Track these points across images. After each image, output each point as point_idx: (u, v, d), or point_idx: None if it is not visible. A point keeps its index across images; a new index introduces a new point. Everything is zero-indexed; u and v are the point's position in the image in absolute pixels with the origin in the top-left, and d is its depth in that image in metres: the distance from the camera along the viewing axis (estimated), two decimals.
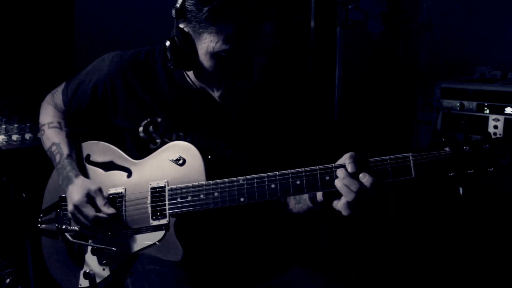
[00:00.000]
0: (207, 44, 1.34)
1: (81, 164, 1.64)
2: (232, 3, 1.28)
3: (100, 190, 1.51)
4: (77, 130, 1.72)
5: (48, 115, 1.72)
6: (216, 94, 1.45)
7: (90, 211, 1.48)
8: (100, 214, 1.48)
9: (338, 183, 1.27)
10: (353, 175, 1.26)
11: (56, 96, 1.72)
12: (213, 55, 1.34)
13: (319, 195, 1.38)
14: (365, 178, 1.26)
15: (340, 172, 1.28)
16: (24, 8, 2.43)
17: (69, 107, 1.67)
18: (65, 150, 1.62)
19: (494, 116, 2.60)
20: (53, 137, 1.66)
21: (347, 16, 2.96)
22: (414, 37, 3.50)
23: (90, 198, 1.49)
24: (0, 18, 2.38)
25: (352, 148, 1.31)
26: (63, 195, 1.65)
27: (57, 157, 1.62)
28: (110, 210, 1.48)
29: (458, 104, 2.72)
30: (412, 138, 3.50)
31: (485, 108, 2.64)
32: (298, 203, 1.50)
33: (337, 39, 2.95)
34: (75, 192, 1.50)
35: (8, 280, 2.17)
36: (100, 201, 1.49)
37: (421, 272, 2.58)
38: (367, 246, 2.75)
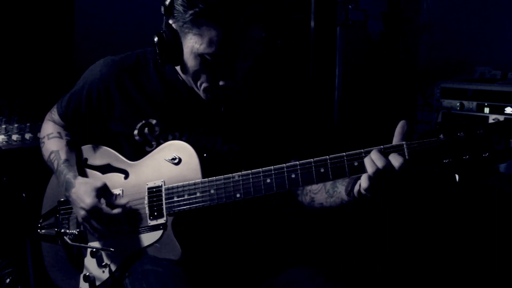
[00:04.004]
0: (191, 44, 1.35)
1: (80, 168, 1.64)
2: (216, 9, 1.28)
3: (105, 185, 1.52)
4: (79, 138, 1.73)
5: (47, 128, 1.73)
6: (199, 91, 1.46)
7: (108, 210, 1.47)
8: (115, 211, 1.47)
9: (367, 159, 1.25)
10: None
11: (53, 112, 1.73)
12: (197, 55, 1.36)
13: (356, 188, 1.35)
14: (394, 158, 1.22)
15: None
16: (24, 8, 2.44)
17: (66, 117, 1.68)
18: (62, 156, 1.63)
19: (494, 116, 2.60)
20: (52, 146, 1.67)
21: (347, 16, 2.96)
22: (414, 37, 3.50)
23: (101, 197, 1.49)
24: (0, 18, 2.38)
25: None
26: (62, 199, 1.65)
27: (55, 164, 1.62)
28: (123, 201, 1.49)
29: (458, 104, 2.72)
30: (412, 138, 3.49)
31: (485, 108, 2.64)
32: (331, 196, 1.47)
33: (337, 39, 2.95)
34: (84, 195, 1.48)
35: (8, 280, 2.17)
36: (111, 197, 1.50)
37: (421, 271, 2.58)
38: (367, 245, 2.75)
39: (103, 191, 1.50)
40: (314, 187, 1.53)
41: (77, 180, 1.53)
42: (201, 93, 1.47)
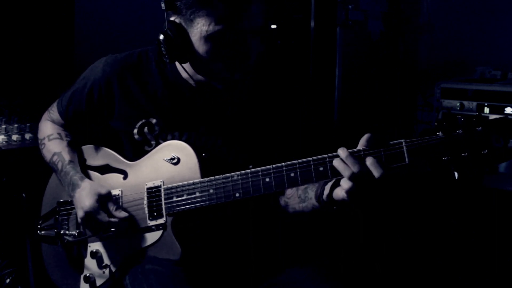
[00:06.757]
0: (199, 28, 1.34)
1: (80, 168, 1.64)
2: None
3: (110, 193, 1.51)
4: (78, 137, 1.72)
5: (47, 129, 1.72)
6: (218, 82, 1.45)
7: (104, 217, 1.47)
8: (113, 219, 1.48)
9: (335, 162, 1.25)
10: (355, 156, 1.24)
11: (52, 111, 1.72)
12: (207, 38, 1.35)
13: (326, 192, 1.36)
14: (368, 161, 1.23)
15: (341, 151, 1.26)
16: (24, 8, 2.44)
17: (66, 115, 1.67)
18: (66, 157, 1.62)
19: (494, 116, 2.59)
20: (54, 148, 1.65)
21: (347, 16, 2.96)
22: (414, 37, 3.50)
23: (102, 203, 1.49)
24: (0, 18, 2.38)
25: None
26: (61, 200, 1.65)
27: (59, 165, 1.61)
28: (122, 214, 1.48)
29: (458, 104, 2.72)
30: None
31: (485, 108, 2.64)
32: (303, 201, 1.48)
33: (337, 39, 2.95)
34: (85, 197, 1.49)
35: (8, 280, 2.17)
36: (111, 206, 1.49)
37: (420, 270, 2.58)
38: (367, 245, 2.75)
39: (106, 197, 1.50)
40: (288, 192, 1.55)
41: (83, 182, 1.54)
42: (219, 83, 1.45)
